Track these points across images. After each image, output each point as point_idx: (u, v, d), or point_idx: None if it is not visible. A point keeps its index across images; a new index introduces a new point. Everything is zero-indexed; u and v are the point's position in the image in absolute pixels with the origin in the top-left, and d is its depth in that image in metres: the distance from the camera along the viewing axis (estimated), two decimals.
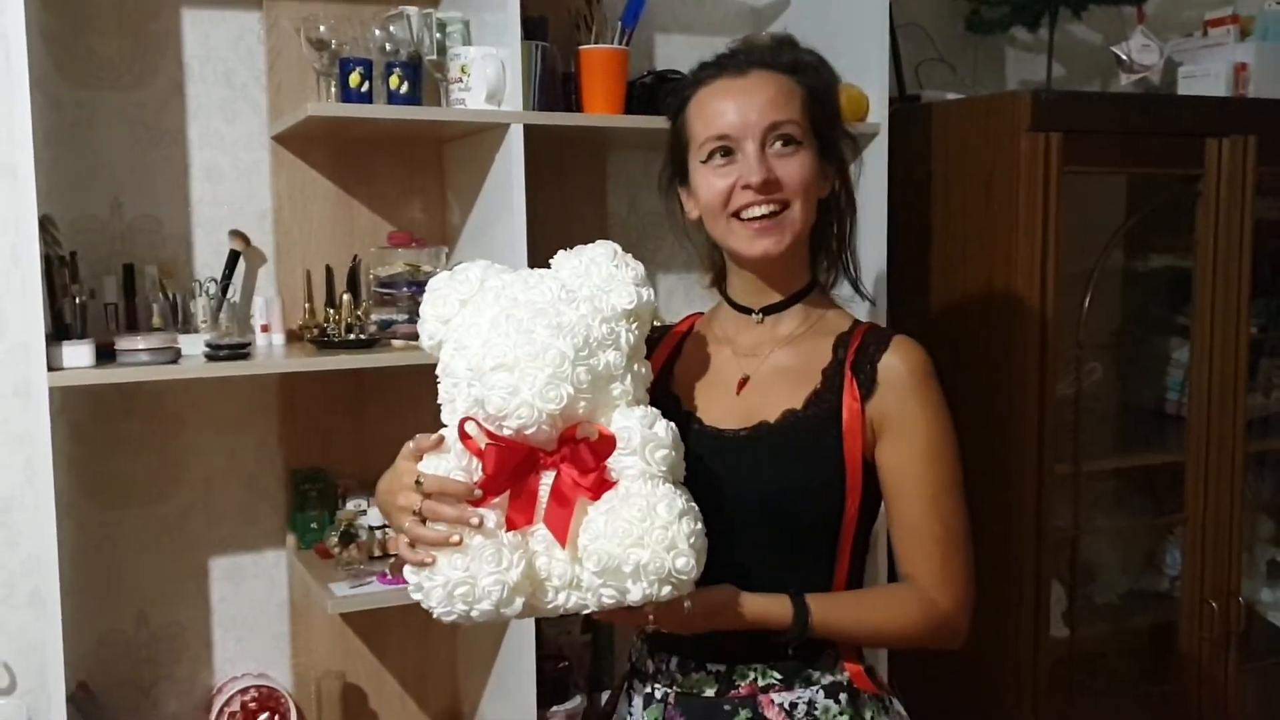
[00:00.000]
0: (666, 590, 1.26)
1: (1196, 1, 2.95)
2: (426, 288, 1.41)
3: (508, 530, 1.30)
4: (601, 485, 1.29)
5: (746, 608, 1.40)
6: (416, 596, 1.32)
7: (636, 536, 1.24)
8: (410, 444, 1.38)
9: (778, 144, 1.44)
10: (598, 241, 1.42)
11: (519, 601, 1.28)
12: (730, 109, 1.45)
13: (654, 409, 1.35)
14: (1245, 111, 2.54)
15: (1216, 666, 2.59)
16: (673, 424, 1.34)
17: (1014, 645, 2.40)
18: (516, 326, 1.29)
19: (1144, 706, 2.63)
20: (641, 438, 1.30)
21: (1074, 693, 2.52)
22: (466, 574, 1.26)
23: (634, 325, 1.36)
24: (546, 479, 1.31)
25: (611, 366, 1.31)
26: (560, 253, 1.42)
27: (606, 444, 1.30)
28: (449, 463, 1.32)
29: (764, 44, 1.52)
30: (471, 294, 1.37)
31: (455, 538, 1.28)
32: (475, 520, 1.28)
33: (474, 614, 1.28)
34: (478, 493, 1.30)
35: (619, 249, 1.41)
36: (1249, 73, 2.61)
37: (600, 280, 1.37)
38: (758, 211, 1.44)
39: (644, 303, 1.38)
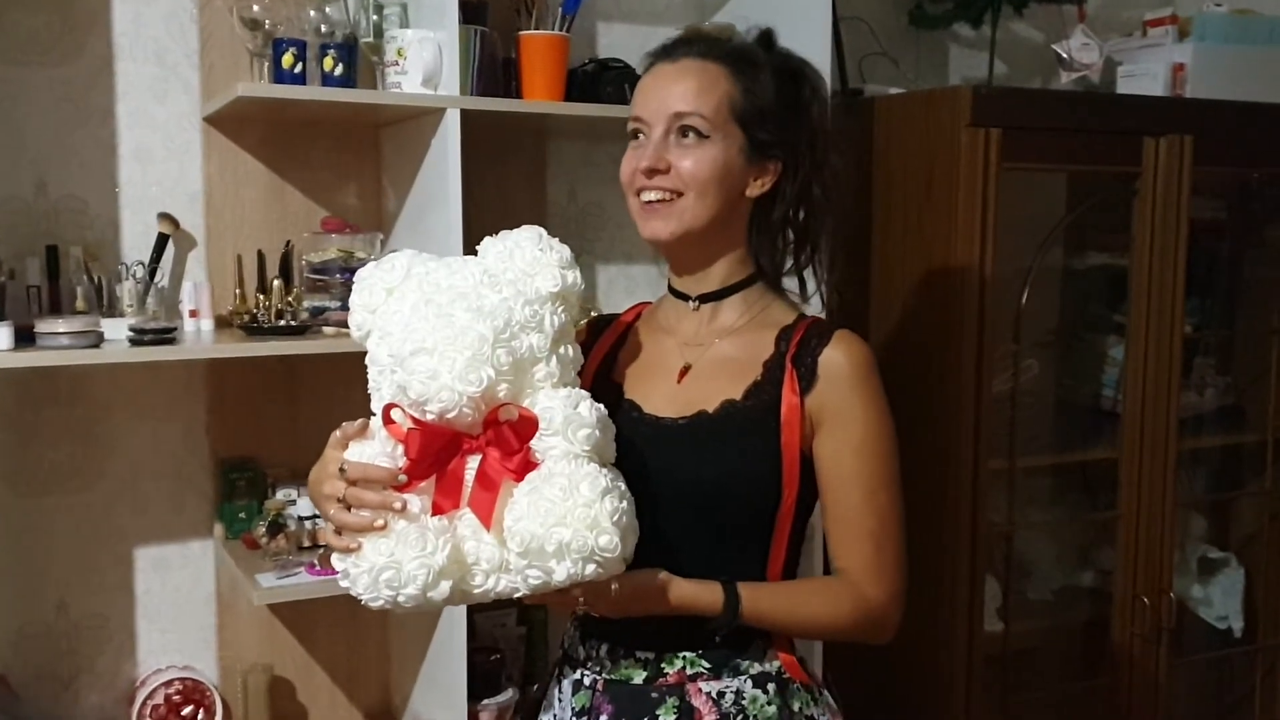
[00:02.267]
0: (591, 569, 1.25)
1: (1136, 2, 2.98)
2: (355, 278, 1.40)
3: (434, 515, 1.29)
4: (526, 466, 1.28)
5: (676, 592, 1.38)
6: (344, 584, 1.31)
7: (559, 515, 1.23)
8: (337, 433, 1.37)
9: (681, 135, 1.44)
10: (523, 226, 1.41)
11: (445, 585, 1.27)
12: (649, 94, 1.46)
13: (581, 391, 1.34)
14: (1183, 111, 2.56)
15: (1148, 662, 2.61)
16: (600, 406, 1.33)
17: (948, 640, 2.40)
18: (436, 311, 1.29)
19: (1076, 701, 2.66)
20: (564, 418, 1.29)
21: (1007, 687, 2.53)
22: (391, 559, 1.25)
23: (559, 308, 1.36)
24: (473, 463, 1.30)
25: (534, 349, 1.31)
26: (486, 239, 1.41)
27: (529, 425, 1.29)
28: (374, 449, 1.32)
29: (715, 34, 1.52)
30: (397, 282, 1.36)
31: (379, 522, 1.28)
32: (398, 505, 1.28)
33: (401, 599, 1.27)
34: (402, 478, 1.29)
35: (544, 233, 1.40)
36: (1186, 73, 2.63)
37: (524, 264, 1.36)
38: (648, 196, 1.45)
39: (569, 285, 1.37)
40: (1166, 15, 2.69)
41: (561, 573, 1.25)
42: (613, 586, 1.31)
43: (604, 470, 1.29)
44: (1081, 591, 2.91)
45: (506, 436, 1.28)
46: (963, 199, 2.31)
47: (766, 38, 1.53)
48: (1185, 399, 2.66)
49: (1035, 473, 2.73)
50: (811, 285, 1.59)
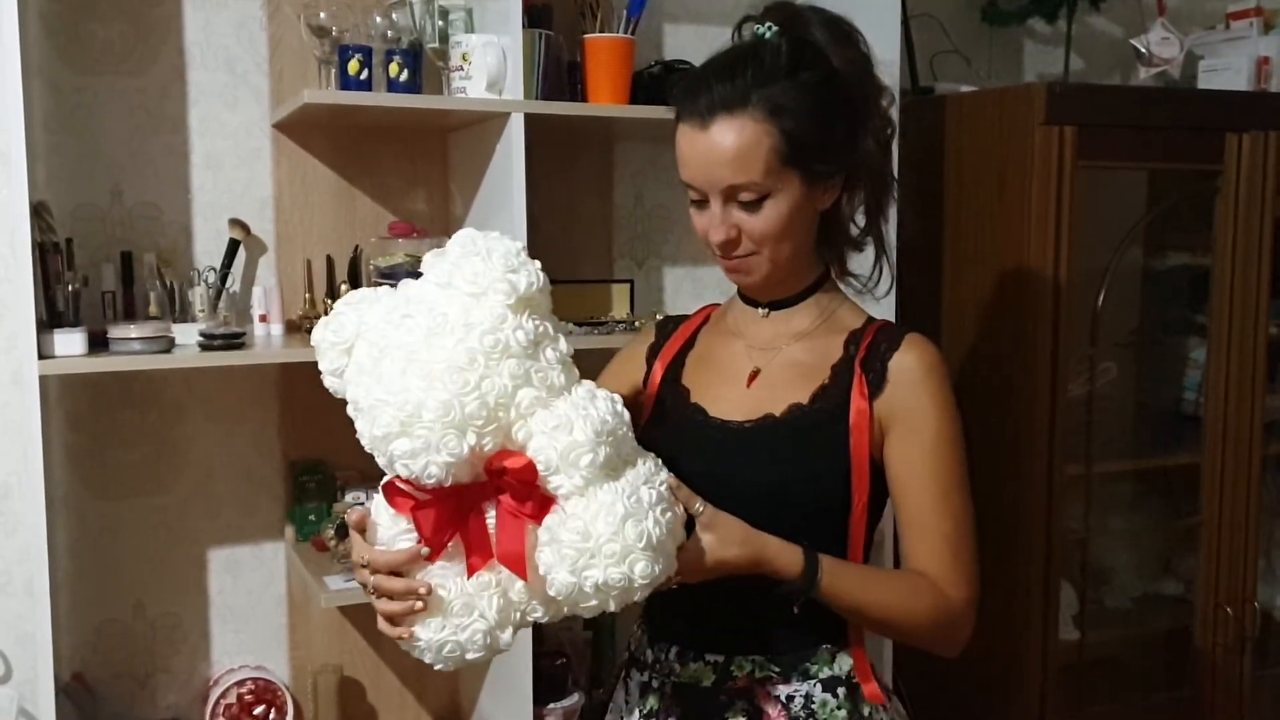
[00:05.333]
0: (639, 594, 1.22)
1: None
2: (312, 341, 1.31)
3: (470, 574, 1.25)
4: (544, 503, 1.23)
5: (758, 540, 1.33)
6: (415, 656, 1.29)
7: (586, 559, 1.18)
8: (346, 503, 1.34)
9: (740, 202, 1.38)
10: (455, 235, 1.28)
11: (507, 634, 1.25)
12: (694, 163, 1.39)
13: (576, 400, 1.23)
14: (1267, 106, 2.50)
15: (1231, 673, 2.55)
16: (600, 405, 1.24)
17: (1022, 648, 2.36)
18: (389, 386, 1.19)
19: (1156, 712, 2.59)
20: (559, 453, 1.20)
21: (1083, 697, 2.47)
22: (444, 633, 1.24)
23: (523, 316, 1.23)
24: (493, 509, 1.25)
25: (509, 381, 1.20)
26: (427, 255, 1.30)
27: (528, 471, 1.22)
28: (388, 529, 1.27)
29: (731, 71, 1.38)
30: (351, 339, 1.27)
31: (418, 605, 1.24)
32: (424, 589, 1.23)
33: (468, 659, 1.26)
34: (425, 551, 1.24)
35: (478, 236, 1.26)
36: (1272, 66, 2.56)
37: (469, 286, 1.22)
38: (728, 261, 1.43)
39: (524, 291, 1.23)
40: (1250, 7, 2.62)
41: (612, 604, 1.22)
42: (696, 507, 1.29)
43: (622, 486, 1.21)
44: (1162, 600, 2.83)
45: (511, 484, 1.22)
46: (1037, 199, 2.27)
47: (791, 46, 1.39)
48: (1270, 402, 2.58)
49: (1114, 478, 2.67)
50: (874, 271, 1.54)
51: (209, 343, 2.00)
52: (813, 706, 1.42)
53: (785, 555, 1.35)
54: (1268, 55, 2.56)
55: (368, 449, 1.25)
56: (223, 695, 2.27)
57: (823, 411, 1.43)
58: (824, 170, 1.41)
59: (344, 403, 2.29)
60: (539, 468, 1.21)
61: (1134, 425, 2.84)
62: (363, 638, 2.43)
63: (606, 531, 1.18)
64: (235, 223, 2.24)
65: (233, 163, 2.28)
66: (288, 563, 2.37)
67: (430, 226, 2.38)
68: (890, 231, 1.54)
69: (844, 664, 1.45)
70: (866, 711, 1.45)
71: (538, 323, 1.24)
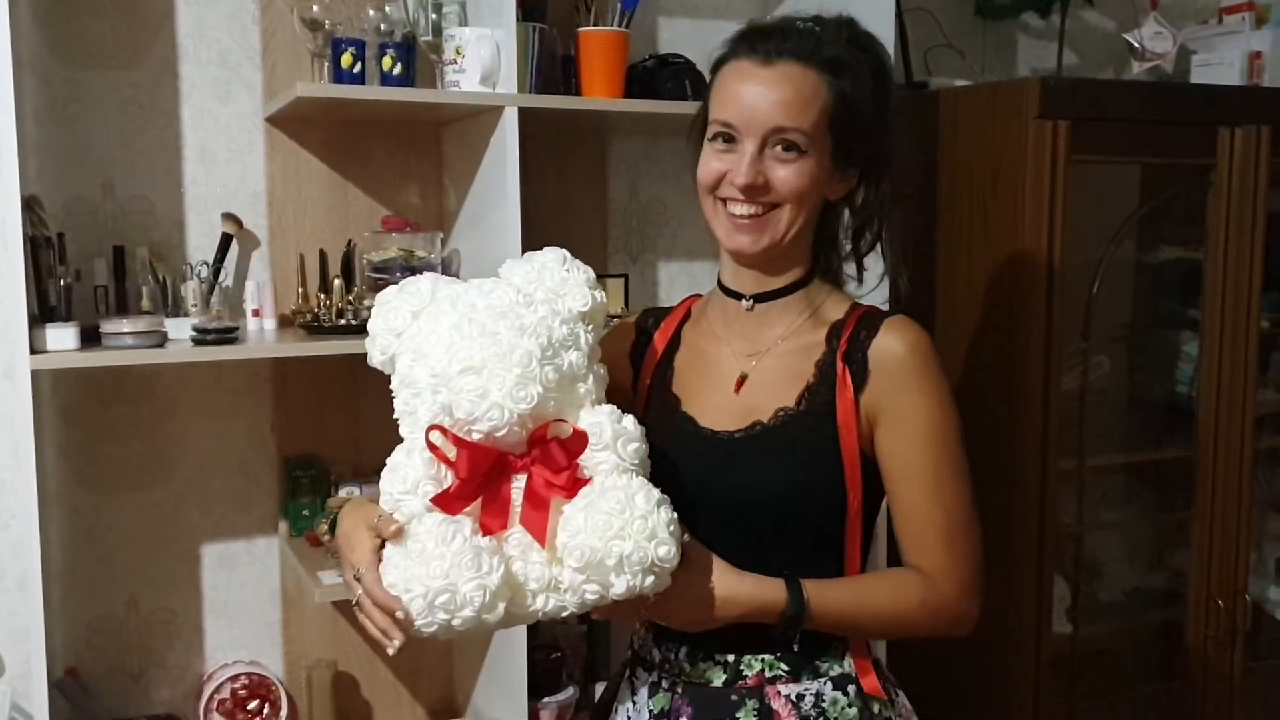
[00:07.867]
0: (650, 581, 1.25)
1: None
2: (376, 302, 1.37)
3: (484, 535, 1.27)
4: (576, 483, 1.27)
5: (741, 587, 1.35)
6: (402, 621, 1.27)
7: (617, 528, 1.23)
8: (340, 498, 1.35)
9: (779, 147, 1.38)
10: (546, 248, 1.40)
11: (501, 607, 1.25)
12: (742, 99, 1.38)
13: (615, 407, 1.34)
14: (1260, 101, 2.49)
15: (1222, 665, 2.55)
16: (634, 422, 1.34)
17: (1015, 641, 2.36)
18: (480, 329, 1.27)
19: (1148, 705, 2.59)
20: (613, 432, 1.29)
21: (1076, 690, 2.48)
22: (446, 581, 1.22)
23: (589, 327, 1.36)
24: (518, 482, 1.29)
25: (575, 366, 1.31)
26: (509, 260, 1.41)
27: (579, 441, 1.28)
28: (417, 471, 1.28)
29: (809, 29, 1.42)
30: (423, 305, 1.34)
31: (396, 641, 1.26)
32: (390, 650, 1.26)
33: (455, 622, 1.24)
34: (401, 615, 1.24)
35: (568, 254, 1.40)
36: (1264, 61, 2.57)
37: (553, 284, 1.36)
38: (740, 210, 1.40)
39: (597, 305, 1.38)
40: (1243, 1, 2.62)
41: (620, 585, 1.24)
42: (685, 537, 1.31)
43: (650, 482, 1.30)
44: (1154, 593, 2.84)
45: (554, 454, 1.27)
46: (1030, 193, 2.27)
47: (850, 28, 1.45)
48: (1262, 396, 2.59)
49: (1107, 472, 2.67)
50: (872, 275, 1.54)
51: (202, 337, 2.00)
52: (823, 704, 1.42)
53: (767, 590, 1.36)
54: (1260, 50, 2.57)
55: (417, 392, 1.29)
56: (216, 690, 2.27)
57: (810, 414, 1.41)
58: (853, 150, 1.42)
59: (336, 398, 2.29)
60: (590, 440, 1.29)
61: (1126, 419, 2.84)
62: (356, 633, 2.42)
63: (645, 507, 1.25)
64: (228, 217, 2.23)
65: (225, 157, 2.28)
66: (281, 558, 2.36)
67: (424, 221, 2.37)
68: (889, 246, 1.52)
69: (854, 662, 1.45)
70: (876, 708, 1.44)
71: (595, 339, 1.37)
